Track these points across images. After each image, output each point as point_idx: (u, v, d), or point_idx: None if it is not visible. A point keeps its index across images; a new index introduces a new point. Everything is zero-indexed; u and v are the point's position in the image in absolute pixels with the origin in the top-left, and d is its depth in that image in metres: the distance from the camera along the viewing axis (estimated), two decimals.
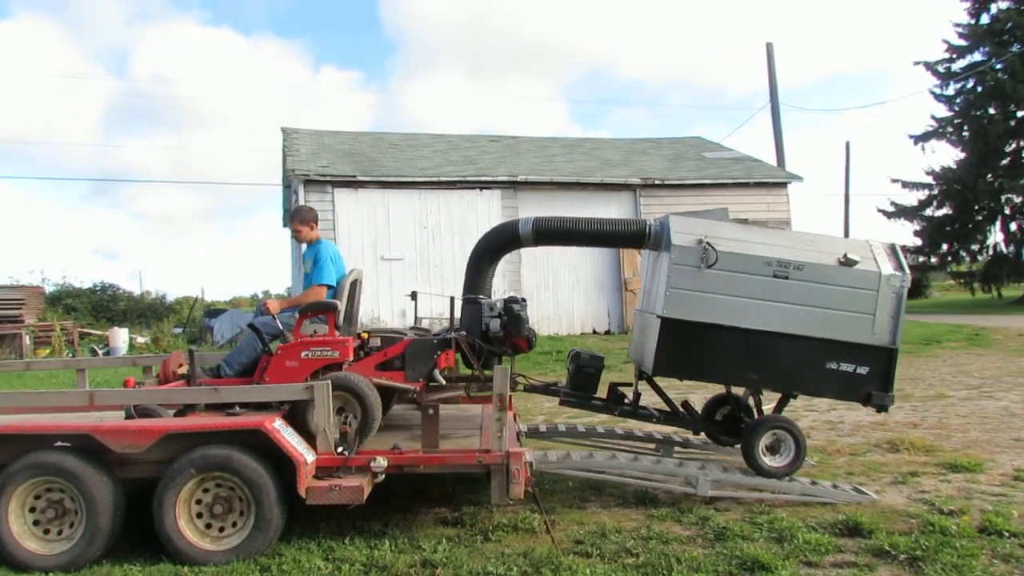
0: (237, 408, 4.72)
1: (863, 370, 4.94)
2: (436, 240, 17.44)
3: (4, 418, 4.94)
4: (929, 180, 30.09)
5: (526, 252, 17.91)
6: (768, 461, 5.10)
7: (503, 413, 4.52)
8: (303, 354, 5.06)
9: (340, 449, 4.42)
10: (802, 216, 46.46)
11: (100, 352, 17.39)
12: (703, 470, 5.11)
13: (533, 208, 18.08)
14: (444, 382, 5.45)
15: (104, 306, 22.25)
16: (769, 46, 25.32)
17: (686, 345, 5.03)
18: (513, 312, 5.51)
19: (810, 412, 8.46)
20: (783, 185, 19.99)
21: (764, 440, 5.11)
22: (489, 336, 5.56)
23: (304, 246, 5.96)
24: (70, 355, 16.74)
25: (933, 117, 30.30)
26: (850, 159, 31.65)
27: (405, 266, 17.19)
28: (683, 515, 4.80)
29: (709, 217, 5.57)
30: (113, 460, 4.26)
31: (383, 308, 17.07)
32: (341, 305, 5.41)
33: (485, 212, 17.48)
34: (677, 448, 6.07)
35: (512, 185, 17.97)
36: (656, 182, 18.86)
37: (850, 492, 5.10)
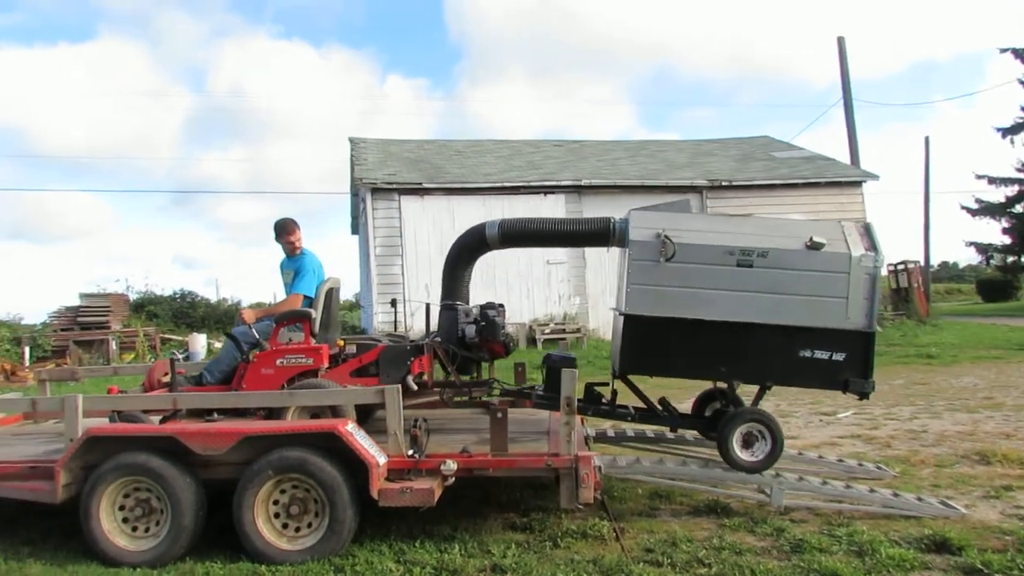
0: (215, 415, 4.92)
1: (839, 356, 4.73)
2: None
3: (94, 420, 5.18)
4: (1018, 175, 28.64)
5: (592, 258, 17.87)
6: (743, 455, 4.92)
7: (571, 417, 4.50)
8: (278, 361, 5.25)
9: (411, 452, 4.48)
10: (879, 216, 44.77)
11: (180, 357, 18.04)
12: (777, 479, 4.97)
13: (597, 212, 17.99)
14: (415, 387, 5.43)
15: (183, 312, 23.12)
16: (841, 40, 24.55)
17: (651, 341, 4.91)
18: (488, 318, 5.57)
19: (891, 421, 8.16)
20: (857, 184, 19.38)
21: (738, 434, 4.93)
22: (466, 342, 5.63)
23: (284, 258, 6.07)
24: (153, 360, 17.46)
25: (1023, 108, 28.88)
26: (930, 155, 30.36)
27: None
28: (757, 525, 4.69)
29: (670, 210, 5.46)
30: (195, 461, 4.43)
31: None
32: (316, 313, 5.54)
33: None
34: None
35: (576, 189, 17.93)
36: (723, 183, 18.53)
37: (936, 506, 4.88)
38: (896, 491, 5.11)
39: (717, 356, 4.88)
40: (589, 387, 5.55)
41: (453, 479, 4.46)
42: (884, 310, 21.23)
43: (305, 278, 5.77)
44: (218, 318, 23.10)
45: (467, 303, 5.94)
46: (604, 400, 5.49)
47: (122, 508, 4.44)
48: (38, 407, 4.91)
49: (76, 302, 19.69)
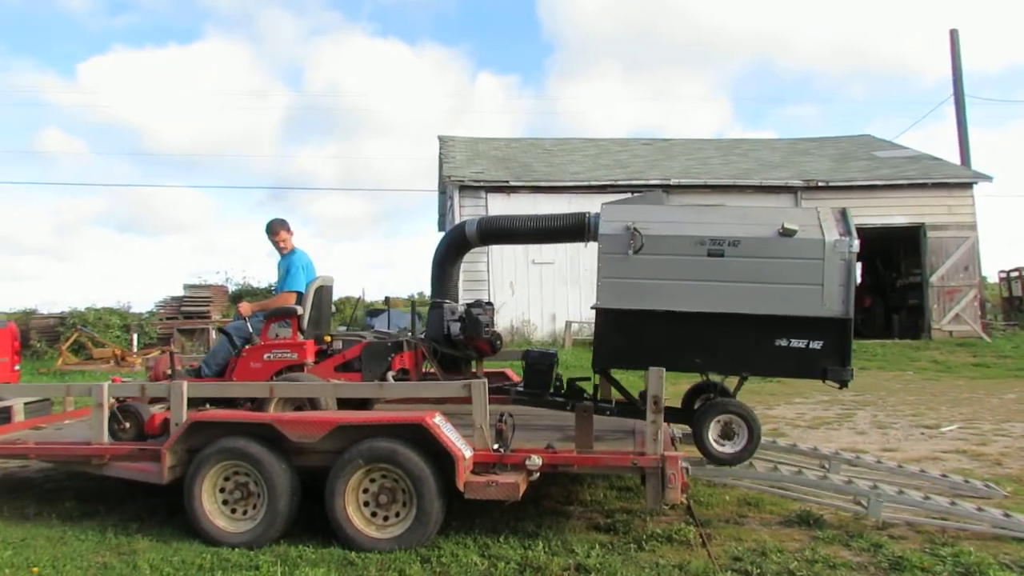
0: (207, 405, 5.23)
1: (816, 345, 4.60)
2: (587, 244, 17.46)
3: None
4: None
5: None
6: (718, 447, 4.79)
7: (658, 416, 4.45)
8: (265, 356, 5.51)
9: (496, 446, 4.52)
10: (992, 220, 42.15)
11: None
12: (875, 490, 4.76)
13: None
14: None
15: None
16: (954, 32, 23.26)
17: (624, 335, 4.85)
18: (472, 316, 5.67)
19: (1001, 437, 7.69)
20: (967, 186, 18.33)
21: (714, 425, 4.80)
22: (452, 339, 5.72)
23: (279, 256, 6.26)
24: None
25: None
26: None
27: (555, 270, 17.33)
28: (852, 539, 4.51)
29: (642, 202, 5.37)
30: (290, 448, 4.61)
31: (533, 311, 17.32)
32: (305, 310, 5.70)
33: None
34: (845, 465, 5.70)
35: (664, 188, 17.64)
36: (820, 184, 17.87)
37: None
38: (1007, 511, 4.81)
39: (691, 348, 4.80)
40: (571, 382, 5.54)
41: (538, 475, 4.47)
42: (994, 319, 20.01)
43: (294, 276, 5.99)
44: None
45: (456, 301, 6.09)
46: (586, 395, 5.46)
47: (222, 490, 4.67)
48: (146, 392, 5.20)
49: (180, 292, 20.82)
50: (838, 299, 4.57)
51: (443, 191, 20.97)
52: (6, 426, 6.23)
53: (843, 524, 4.80)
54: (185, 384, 4.99)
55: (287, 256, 6.23)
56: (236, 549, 4.46)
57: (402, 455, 4.36)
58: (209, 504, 4.63)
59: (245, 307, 6.00)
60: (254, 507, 4.63)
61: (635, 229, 4.77)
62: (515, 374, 6.46)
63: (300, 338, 5.63)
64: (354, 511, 4.45)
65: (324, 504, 4.47)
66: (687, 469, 4.51)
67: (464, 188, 17.44)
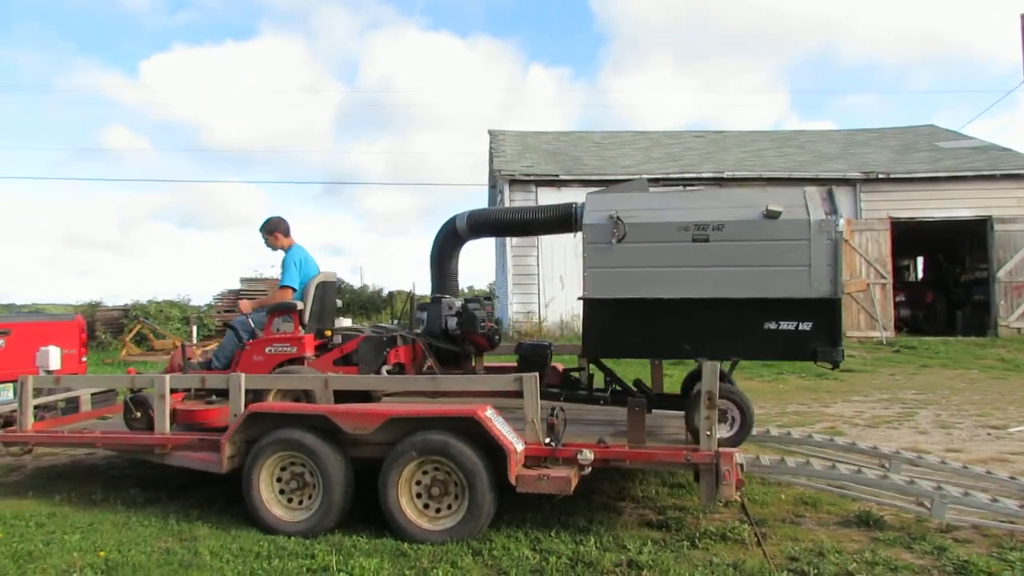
0: (214, 397, 5.52)
1: (806, 326, 4.56)
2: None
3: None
4: None
5: None
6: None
7: (712, 411, 4.37)
8: (267, 349, 5.67)
9: (548, 440, 4.52)
10: None
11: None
12: (939, 491, 4.61)
13: None
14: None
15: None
16: None
17: (612, 324, 4.88)
18: (468, 311, 5.77)
19: None
20: None
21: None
22: (449, 334, 5.80)
23: (280, 253, 6.35)
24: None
25: None
26: None
27: None
28: (914, 542, 4.38)
29: (626, 190, 5.33)
30: (345, 440, 4.68)
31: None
32: (306, 305, 5.86)
33: None
34: (906, 465, 5.54)
35: (718, 181, 17.39)
36: (879, 176, 17.38)
37: None
38: None
39: (679, 334, 4.79)
40: (566, 372, 5.48)
41: (589, 469, 4.45)
42: None
43: (287, 272, 6.12)
44: (362, 303, 24.29)
45: (455, 295, 6.16)
46: (582, 385, 5.43)
47: (279, 480, 4.78)
48: (207, 383, 5.34)
49: (237, 286, 21.39)
50: (826, 279, 4.54)
51: (493, 185, 21.01)
52: (74, 416, 6.48)
53: (905, 526, 4.67)
54: (243, 376, 5.11)
55: (285, 253, 6.36)
56: (292, 538, 4.55)
57: (454, 448, 4.39)
58: (267, 493, 4.74)
59: (245, 304, 6.23)
60: (310, 497, 4.72)
61: (618, 218, 4.79)
62: (562, 366, 6.44)
63: (301, 332, 5.77)
64: (407, 502, 4.50)
65: (378, 495, 4.53)
66: (742, 466, 4.44)
67: (514, 182, 17.45)
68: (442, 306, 5.95)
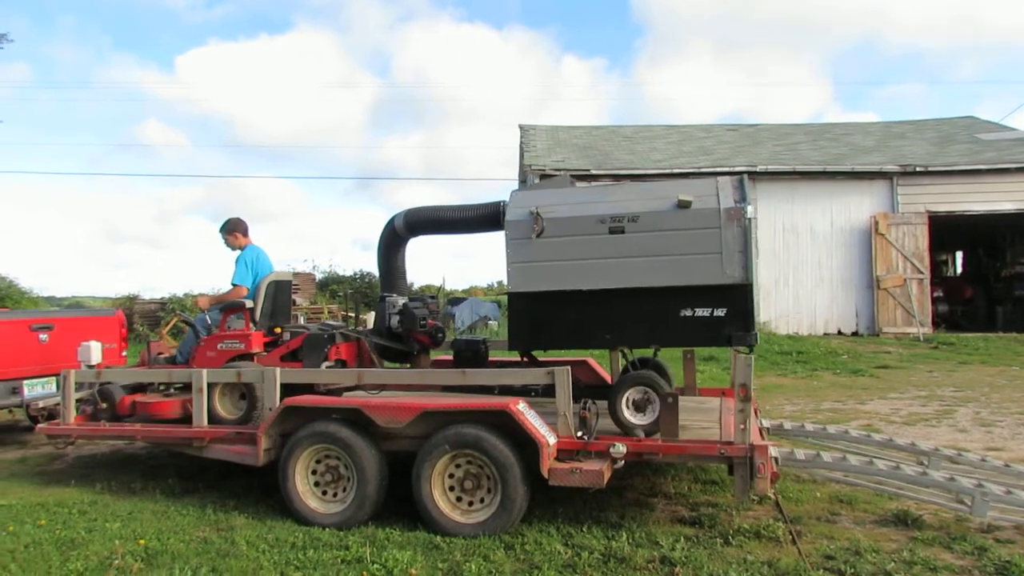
0: (171, 390, 5.92)
1: (720, 312, 4.65)
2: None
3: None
4: None
5: (764, 247, 17.10)
6: (631, 418, 4.75)
7: (746, 404, 4.33)
8: (219, 345, 5.96)
9: (580, 434, 4.52)
10: None
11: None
12: (980, 489, 4.50)
13: (773, 200, 17.17)
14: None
15: (362, 292, 24.69)
16: None
17: (535, 317, 4.99)
18: (408, 310, 5.94)
19: None
20: None
21: (628, 396, 4.77)
22: (393, 332, 5.98)
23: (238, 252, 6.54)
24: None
25: None
26: None
27: None
28: (954, 542, 4.29)
29: (549, 186, 5.47)
30: (378, 433, 4.73)
31: None
32: (257, 304, 6.12)
33: None
34: (946, 462, 5.42)
35: (750, 176, 17.15)
36: (917, 169, 17.02)
37: None
38: None
39: (599, 325, 4.87)
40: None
41: (622, 462, 4.44)
42: None
43: (238, 271, 6.35)
44: None
45: (403, 294, 6.31)
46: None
47: (314, 472, 4.84)
48: (243, 377, 5.42)
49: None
50: (738, 265, 4.61)
51: (523, 180, 20.98)
52: None
53: (944, 525, 4.58)
54: (278, 370, 5.18)
55: (240, 253, 6.53)
56: (327, 529, 4.60)
57: (487, 441, 4.40)
58: (302, 486, 4.80)
59: (203, 301, 6.51)
60: (344, 490, 4.77)
61: (537, 213, 4.91)
62: (597, 363, 6.43)
63: (251, 329, 5.99)
64: (440, 495, 4.52)
65: (410, 488, 4.56)
66: (777, 460, 4.39)
67: (545, 177, 17.40)
68: (386, 304, 6.10)
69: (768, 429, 5.69)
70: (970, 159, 17.47)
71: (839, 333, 17.02)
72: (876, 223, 16.83)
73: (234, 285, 6.31)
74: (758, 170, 17.13)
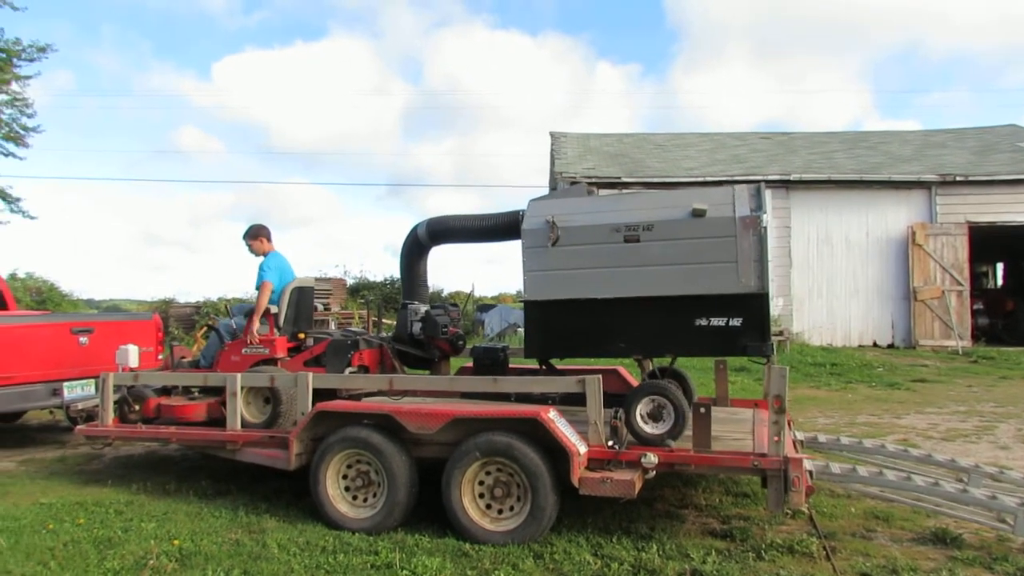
0: (196, 393, 6.12)
1: (736, 322, 4.61)
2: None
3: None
4: None
5: (798, 256, 16.89)
6: (647, 428, 4.67)
7: (781, 416, 4.27)
8: (244, 350, 6.06)
9: (611, 443, 4.49)
10: None
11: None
12: None
13: (807, 210, 16.97)
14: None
15: (393, 298, 24.82)
16: None
17: (551, 325, 5.03)
18: (430, 317, 6.01)
19: None
20: None
21: (643, 406, 4.70)
22: (415, 339, 6.07)
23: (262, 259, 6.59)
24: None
25: None
26: None
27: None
28: (995, 562, 4.18)
29: (566, 195, 5.55)
30: (409, 439, 4.75)
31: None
32: (280, 309, 6.22)
33: None
34: (987, 479, 5.29)
35: (784, 184, 17.01)
36: (957, 179, 16.70)
37: None
38: None
39: (615, 333, 4.89)
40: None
41: (653, 473, 4.40)
42: None
43: (261, 271, 6.41)
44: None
45: (424, 301, 6.38)
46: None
47: (345, 477, 4.88)
48: (276, 382, 5.49)
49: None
50: (753, 274, 4.58)
51: (554, 187, 20.98)
52: None
53: (985, 544, 4.47)
54: (311, 375, 5.23)
55: (264, 258, 6.60)
56: (357, 534, 4.63)
57: (517, 449, 4.39)
58: (333, 490, 4.83)
59: (253, 320, 6.40)
60: (374, 495, 4.79)
61: (553, 222, 4.94)
62: (628, 372, 6.40)
63: (275, 335, 6.08)
64: (469, 502, 4.53)
65: (440, 494, 4.57)
66: (811, 473, 4.33)
67: (575, 184, 17.38)
68: (408, 312, 6.17)
69: (802, 442, 5.60)
70: (1012, 168, 17.10)
71: (874, 345, 16.73)
72: (913, 233, 16.54)
73: (261, 282, 6.37)
74: (792, 179, 16.95)
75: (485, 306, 25.34)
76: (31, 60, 20.86)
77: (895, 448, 5.74)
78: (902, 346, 16.52)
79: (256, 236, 6.72)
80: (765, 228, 4.61)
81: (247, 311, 6.34)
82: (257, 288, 6.42)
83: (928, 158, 18.51)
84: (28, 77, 21.03)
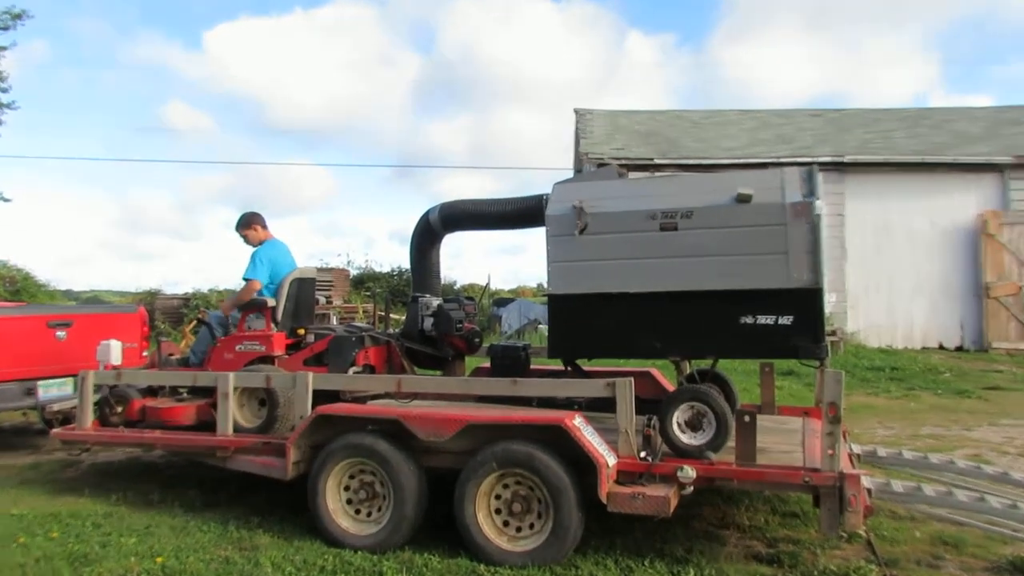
0: (184, 393, 6.14)
1: (786, 320, 4.53)
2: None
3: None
4: None
5: (853, 249, 16.70)
6: (684, 438, 4.62)
7: (835, 426, 4.19)
8: (237, 347, 6.09)
9: (643, 454, 4.43)
10: None
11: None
12: None
13: (863, 196, 16.76)
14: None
15: (400, 291, 24.85)
16: None
17: (577, 322, 4.99)
18: (443, 312, 5.99)
19: None
20: None
21: (680, 414, 4.64)
22: (426, 335, 6.07)
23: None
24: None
25: None
26: None
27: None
28: None
29: (596, 178, 5.48)
30: (418, 447, 4.72)
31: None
32: (279, 302, 6.22)
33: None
34: None
35: (837, 167, 16.77)
36: None
37: None
38: None
39: (649, 331, 4.83)
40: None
41: (691, 488, 4.34)
42: None
43: (250, 266, 6.40)
44: None
45: (437, 294, 6.32)
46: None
47: (347, 489, 4.86)
48: (272, 383, 5.47)
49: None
50: (806, 267, 4.51)
51: (579, 169, 20.89)
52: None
53: None
54: (311, 375, 5.21)
55: (259, 248, 6.62)
56: (359, 552, 4.61)
57: (539, 460, 4.34)
58: (333, 503, 4.81)
59: (225, 307, 6.60)
60: (379, 509, 4.77)
61: (581, 208, 4.88)
62: (662, 375, 6.32)
63: (273, 330, 6.05)
64: (484, 518, 4.49)
65: (453, 510, 4.53)
66: (870, 491, 4.25)
67: (603, 167, 17.28)
68: (419, 306, 6.13)
69: (859, 456, 5.52)
70: None
71: (940, 348, 16.50)
72: (985, 222, 16.28)
73: (246, 280, 6.39)
74: (845, 161, 16.73)
75: (502, 300, 25.31)
76: (4, 28, 21.12)
77: (966, 464, 5.65)
78: (972, 349, 16.27)
79: (249, 224, 6.75)
80: (819, 216, 4.54)
81: (245, 304, 6.33)
82: (244, 280, 6.42)
83: (1001, 137, 18.20)
84: (2, 48, 21.24)
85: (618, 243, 4.88)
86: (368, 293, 23.42)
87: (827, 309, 16.86)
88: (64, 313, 8.33)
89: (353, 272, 25.53)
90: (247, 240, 6.74)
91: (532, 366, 6.18)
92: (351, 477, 4.85)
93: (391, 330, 6.69)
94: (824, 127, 20.18)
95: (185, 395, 6.22)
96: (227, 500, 5.78)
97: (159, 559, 4.50)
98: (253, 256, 6.51)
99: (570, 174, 23.89)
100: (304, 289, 6.59)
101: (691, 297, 4.73)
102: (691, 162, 17.11)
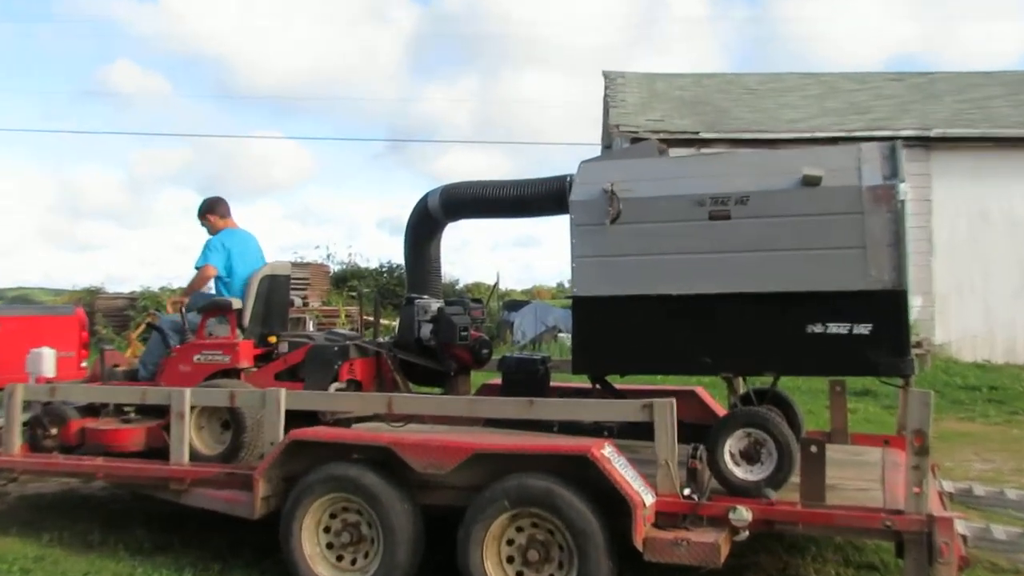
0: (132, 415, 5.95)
1: (863, 329, 4.48)
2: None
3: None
4: None
5: (940, 240, 16.63)
6: (738, 472, 4.59)
7: (923, 459, 4.19)
8: (195, 358, 6.05)
9: (687, 491, 4.42)
10: None
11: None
12: None
13: (954, 176, 16.69)
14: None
15: (390, 291, 24.88)
16: None
17: (608, 330, 4.97)
18: (443, 317, 5.92)
19: None
20: None
21: (733, 443, 4.62)
22: (424, 345, 6.03)
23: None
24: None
25: None
26: None
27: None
28: None
29: (630, 156, 5.46)
30: (413, 481, 4.72)
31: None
32: (246, 304, 6.23)
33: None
34: None
35: (923, 142, 16.70)
36: None
37: None
38: None
39: (696, 343, 4.82)
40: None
41: (746, 533, 4.34)
42: None
43: (202, 252, 6.47)
44: None
45: (436, 296, 6.32)
46: None
47: (327, 531, 4.87)
48: (237, 401, 5.48)
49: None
50: (887, 265, 4.48)
51: (608, 145, 20.91)
52: None
53: None
54: (283, 392, 5.21)
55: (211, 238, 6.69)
56: None
57: (560, 499, 4.33)
58: (310, 548, 4.82)
59: (172, 304, 6.64)
60: (366, 555, 4.78)
61: (612, 192, 4.84)
62: (710, 396, 6.31)
63: (238, 338, 6.05)
64: (494, 567, 4.49)
65: (455, 557, 4.53)
66: (966, 539, 4.26)
67: (636, 141, 17.28)
68: (415, 309, 6.10)
69: (952, 495, 5.52)
70: None
71: None
72: None
73: (197, 268, 6.44)
74: (934, 135, 16.66)
75: (514, 303, 25.40)
76: None
77: None
78: None
79: (211, 210, 6.81)
80: (903, 202, 4.52)
81: (203, 304, 6.36)
82: (196, 268, 6.46)
83: None
84: None
85: (657, 234, 4.87)
86: (352, 294, 23.48)
87: (912, 315, 16.83)
88: None
89: (334, 268, 25.66)
90: (209, 230, 6.79)
91: (552, 383, 6.17)
92: (332, 516, 4.85)
93: (381, 338, 6.68)
94: (907, 93, 20.13)
95: (132, 415, 6.22)
96: (182, 542, 5.79)
97: None
98: (208, 242, 6.57)
99: (598, 151, 23.93)
100: (276, 289, 6.62)
101: (746, 300, 4.71)
102: (745, 136, 17.10)
